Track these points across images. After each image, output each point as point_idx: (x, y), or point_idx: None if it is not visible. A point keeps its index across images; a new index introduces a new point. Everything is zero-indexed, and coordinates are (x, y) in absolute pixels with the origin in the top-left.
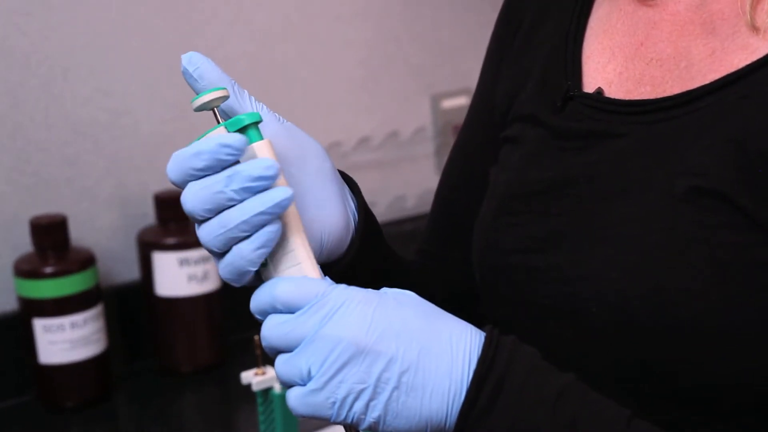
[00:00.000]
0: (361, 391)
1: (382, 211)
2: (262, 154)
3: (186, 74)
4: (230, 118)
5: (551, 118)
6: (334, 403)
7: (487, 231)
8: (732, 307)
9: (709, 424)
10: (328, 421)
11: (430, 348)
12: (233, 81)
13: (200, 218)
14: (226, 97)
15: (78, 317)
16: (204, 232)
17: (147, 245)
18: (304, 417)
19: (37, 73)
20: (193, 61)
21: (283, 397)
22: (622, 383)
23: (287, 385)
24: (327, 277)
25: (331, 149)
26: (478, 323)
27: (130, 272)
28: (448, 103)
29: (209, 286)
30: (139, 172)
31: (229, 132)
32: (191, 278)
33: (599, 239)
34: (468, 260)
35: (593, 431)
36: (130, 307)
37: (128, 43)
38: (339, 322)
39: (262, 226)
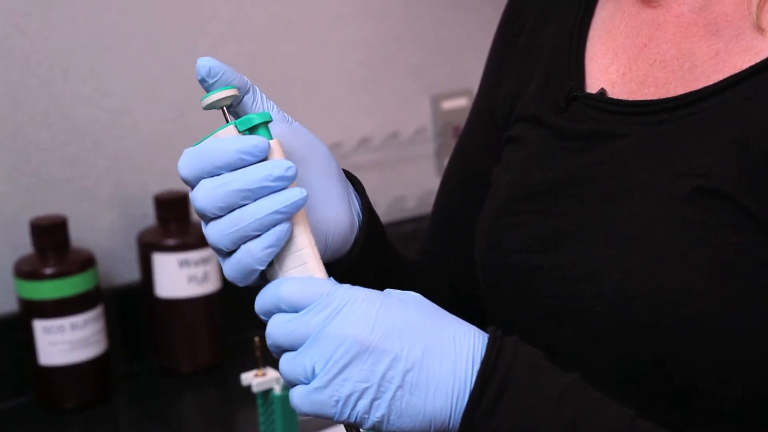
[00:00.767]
0: (365, 389)
1: (382, 212)
2: (273, 155)
3: (203, 81)
4: (237, 116)
5: (554, 119)
6: (337, 401)
7: (489, 231)
8: (734, 308)
9: (711, 423)
10: (330, 421)
11: (434, 347)
12: (246, 78)
13: (211, 216)
14: (235, 97)
15: (78, 318)
16: (213, 229)
17: (147, 246)
18: (307, 415)
19: (37, 73)
20: (213, 71)
21: (283, 399)
22: (624, 383)
23: (291, 384)
24: (331, 278)
25: (332, 150)
26: (480, 324)
27: (130, 273)
28: (449, 104)
29: (209, 287)
30: (139, 172)
31: (239, 131)
32: (191, 279)
33: (602, 239)
34: (470, 260)
35: (595, 431)
36: (130, 308)
37: (128, 43)
38: (343, 321)
39: (273, 225)
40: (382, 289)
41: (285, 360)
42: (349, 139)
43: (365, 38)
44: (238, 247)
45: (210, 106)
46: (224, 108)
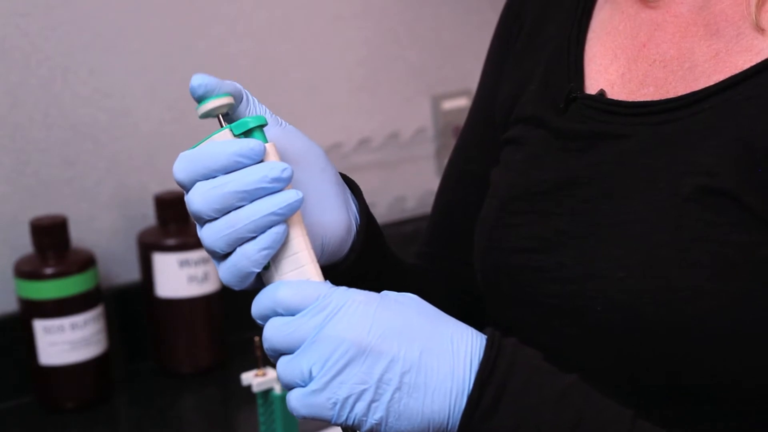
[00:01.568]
0: (363, 391)
1: (382, 212)
2: (268, 157)
3: (196, 94)
4: (232, 121)
5: (554, 120)
6: (335, 403)
7: (489, 231)
8: (739, 306)
9: (715, 421)
10: (329, 423)
11: (432, 348)
12: (238, 84)
13: (207, 218)
14: (231, 105)
15: (78, 318)
16: (208, 232)
17: (147, 246)
18: (305, 418)
19: (37, 73)
20: (202, 82)
21: (283, 399)
22: (629, 382)
23: (289, 387)
24: (328, 281)
25: (332, 150)
26: (479, 325)
27: (131, 273)
28: (449, 104)
29: (209, 287)
30: (139, 172)
31: (234, 135)
32: (191, 279)
33: (605, 239)
34: (468, 262)
35: (597, 430)
36: (131, 309)
37: (128, 43)
38: (340, 323)
39: (269, 227)
40: (379, 292)
41: (282, 363)
42: (349, 139)
43: (365, 38)
44: (234, 249)
45: (206, 115)
46: (220, 116)
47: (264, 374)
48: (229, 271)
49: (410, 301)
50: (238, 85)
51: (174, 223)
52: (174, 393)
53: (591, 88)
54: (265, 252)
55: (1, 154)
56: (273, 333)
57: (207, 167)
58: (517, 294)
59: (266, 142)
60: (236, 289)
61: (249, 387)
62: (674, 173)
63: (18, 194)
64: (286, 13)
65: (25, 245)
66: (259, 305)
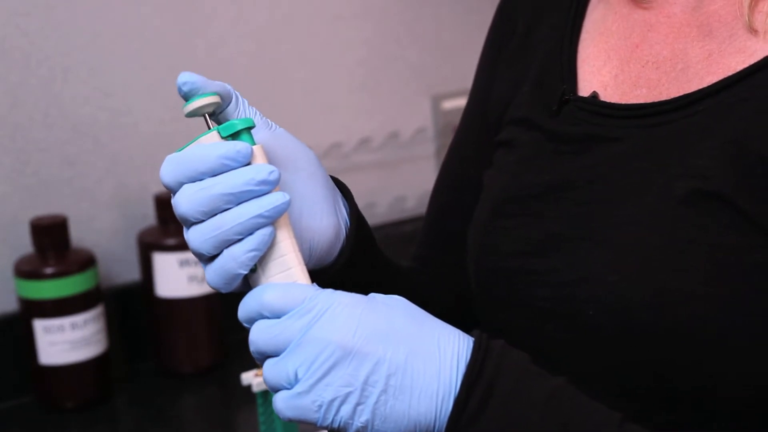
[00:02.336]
0: (348, 394)
1: (382, 212)
2: (256, 160)
3: (182, 92)
4: (220, 122)
5: (547, 122)
6: (320, 406)
7: (482, 234)
8: (732, 310)
9: (708, 425)
10: (316, 426)
11: (418, 351)
12: (228, 85)
13: (193, 220)
14: (217, 104)
15: (78, 318)
16: (195, 234)
17: (147, 246)
18: (291, 420)
19: (37, 73)
20: (188, 80)
21: None
22: (621, 386)
23: (275, 390)
24: (315, 284)
25: (332, 150)
26: (473, 328)
27: (131, 273)
28: (449, 104)
29: (209, 287)
30: (139, 172)
31: (222, 137)
32: (192, 279)
33: (598, 242)
34: (463, 264)
35: None
36: (131, 308)
37: (128, 43)
38: (326, 325)
39: (256, 229)
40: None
41: (268, 366)
42: (349, 139)
43: (365, 38)
44: (220, 252)
45: (192, 114)
46: (206, 115)
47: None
48: (215, 273)
49: (397, 303)
50: (227, 86)
51: (174, 222)
52: (174, 393)
53: (584, 89)
54: (251, 254)
55: (1, 153)
56: (259, 335)
57: (193, 170)
58: (510, 297)
59: (254, 144)
60: (223, 291)
61: (249, 387)
62: (668, 176)
63: (18, 194)
64: (286, 13)
65: (25, 245)
66: (245, 308)
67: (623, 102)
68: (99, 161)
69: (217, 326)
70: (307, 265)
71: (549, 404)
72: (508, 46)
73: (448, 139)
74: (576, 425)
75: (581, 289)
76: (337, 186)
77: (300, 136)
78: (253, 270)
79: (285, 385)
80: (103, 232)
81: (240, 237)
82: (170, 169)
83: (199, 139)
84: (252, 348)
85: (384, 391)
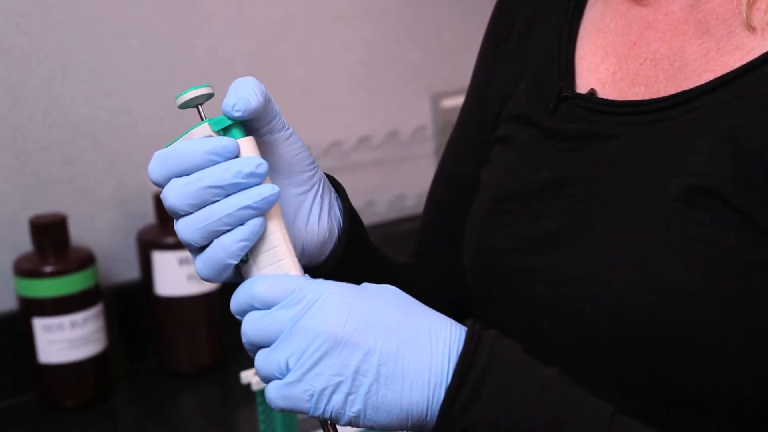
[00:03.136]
0: (339, 383)
1: (382, 210)
2: (245, 152)
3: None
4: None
5: (544, 119)
6: (311, 395)
7: (479, 231)
8: (728, 307)
9: (705, 423)
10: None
11: (409, 340)
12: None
13: (182, 213)
14: (210, 95)
15: (78, 317)
16: (184, 224)
17: (147, 244)
18: (283, 410)
19: (37, 72)
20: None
21: None
22: (618, 383)
23: (267, 380)
24: (306, 275)
25: (332, 149)
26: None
27: (130, 272)
28: (448, 103)
29: (209, 285)
30: (139, 171)
31: (213, 129)
32: (191, 278)
33: (595, 240)
34: (460, 262)
35: (576, 426)
36: (130, 307)
37: (128, 42)
38: (316, 315)
39: (245, 220)
40: None
41: (260, 356)
42: (349, 137)
43: (365, 38)
44: (210, 242)
45: (185, 105)
46: (199, 107)
47: None
48: (205, 263)
49: (388, 292)
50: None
51: (173, 221)
52: (173, 391)
53: (582, 86)
54: (242, 243)
55: (1, 152)
56: (250, 326)
57: (181, 166)
58: (507, 295)
59: (244, 136)
60: (213, 281)
61: (248, 385)
62: (665, 173)
63: (18, 193)
64: (286, 13)
65: (24, 244)
66: (237, 300)
67: (621, 99)
68: (99, 160)
69: (217, 325)
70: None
71: (542, 395)
72: (507, 44)
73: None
74: (568, 416)
75: (578, 286)
76: (333, 185)
77: (300, 135)
78: (245, 261)
79: (276, 374)
80: (103, 230)
81: (229, 228)
82: (158, 165)
83: (190, 131)
84: (244, 339)
85: (375, 380)
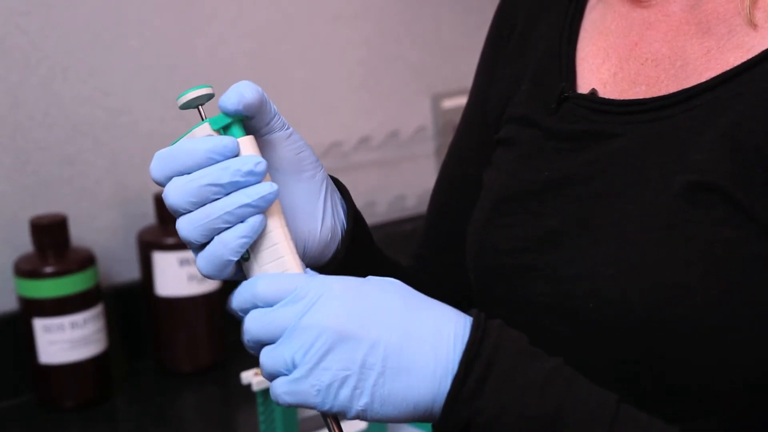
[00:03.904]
0: (346, 377)
1: (382, 211)
2: (245, 151)
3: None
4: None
5: (546, 120)
6: (319, 390)
7: (481, 232)
8: (729, 303)
9: (707, 418)
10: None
11: (413, 332)
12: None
13: (183, 211)
14: (210, 95)
15: (78, 317)
16: (184, 222)
17: (147, 245)
18: (290, 406)
19: (37, 72)
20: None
21: None
22: (620, 380)
23: (272, 377)
24: (308, 269)
25: (332, 149)
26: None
27: (131, 272)
28: (449, 103)
29: (209, 285)
30: (139, 171)
31: (213, 128)
32: (191, 278)
33: (596, 238)
34: (463, 264)
35: (581, 415)
36: (130, 307)
37: (128, 42)
38: (320, 310)
39: (244, 218)
40: None
41: (265, 353)
42: (349, 138)
43: (365, 38)
44: (211, 239)
45: (185, 106)
46: (200, 107)
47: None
48: (206, 260)
49: (392, 286)
50: (261, 91)
51: (174, 221)
52: (174, 392)
53: (583, 87)
54: (242, 240)
55: (1, 152)
56: (253, 324)
57: (182, 165)
58: (508, 294)
59: (244, 135)
60: (214, 278)
61: (249, 386)
62: (666, 171)
63: (18, 193)
64: (286, 13)
65: (24, 244)
66: (238, 298)
67: (622, 99)
68: (99, 160)
69: (217, 325)
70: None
71: (546, 385)
72: (508, 45)
73: (448, 138)
74: (573, 406)
75: (580, 284)
76: (336, 186)
77: (300, 135)
78: (246, 259)
79: (282, 371)
80: (103, 231)
81: (229, 225)
82: (159, 165)
83: (191, 131)
84: (246, 337)
85: (381, 373)
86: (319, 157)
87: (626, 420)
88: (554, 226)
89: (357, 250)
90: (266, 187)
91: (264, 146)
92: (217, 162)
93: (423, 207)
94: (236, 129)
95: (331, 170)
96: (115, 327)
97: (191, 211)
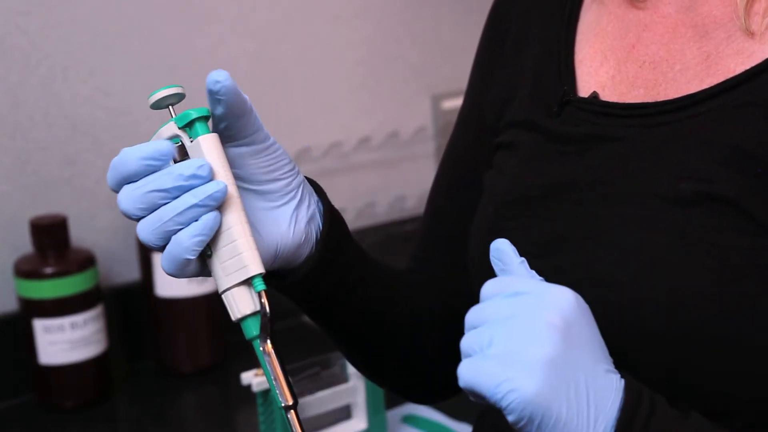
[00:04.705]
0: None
1: (382, 211)
2: (206, 147)
3: (212, 93)
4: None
5: (547, 123)
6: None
7: (485, 236)
8: (741, 311)
9: (725, 425)
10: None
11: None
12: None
13: (135, 217)
14: (180, 95)
15: (78, 318)
16: (141, 227)
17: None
18: (464, 388)
19: (37, 72)
20: (221, 80)
21: None
22: None
23: (466, 355)
24: (538, 278)
25: (332, 149)
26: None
27: (131, 272)
28: (449, 104)
29: (209, 286)
30: None
31: (178, 126)
32: (191, 279)
33: (604, 243)
34: (461, 266)
35: None
36: (131, 308)
37: (128, 42)
38: (541, 303)
39: (196, 217)
40: (341, 300)
41: (469, 334)
42: (349, 138)
43: (365, 38)
44: (169, 240)
45: (156, 105)
46: (170, 107)
47: (263, 374)
48: (167, 260)
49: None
50: (246, 99)
51: None
52: (174, 392)
53: (583, 90)
54: (197, 239)
55: (1, 153)
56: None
57: (122, 173)
58: None
59: (209, 132)
60: (178, 277)
61: (249, 386)
62: (672, 177)
63: (18, 193)
64: (286, 13)
65: (25, 244)
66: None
67: (622, 102)
68: (99, 160)
69: (217, 326)
70: (272, 265)
71: None
72: (503, 47)
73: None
74: None
75: (588, 290)
76: (314, 188)
77: (300, 135)
78: (209, 255)
79: (476, 349)
80: (103, 231)
81: (181, 226)
82: (111, 173)
83: (159, 131)
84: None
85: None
86: (319, 157)
87: None
88: (560, 230)
89: (334, 251)
90: (213, 186)
91: (241, 154)
92: (157, 167)
93: (423, 207)
94: (201, 125)
95: (331, 170)
96: (115, 327)
97: (144, 216)
